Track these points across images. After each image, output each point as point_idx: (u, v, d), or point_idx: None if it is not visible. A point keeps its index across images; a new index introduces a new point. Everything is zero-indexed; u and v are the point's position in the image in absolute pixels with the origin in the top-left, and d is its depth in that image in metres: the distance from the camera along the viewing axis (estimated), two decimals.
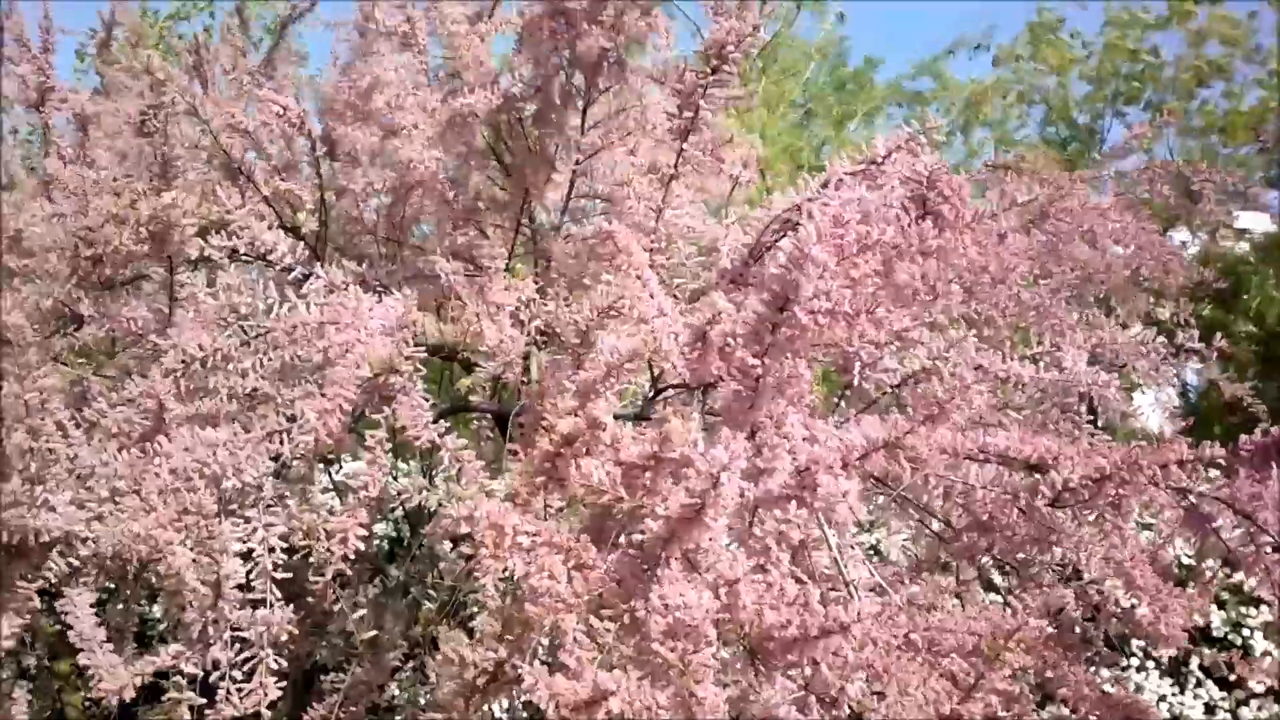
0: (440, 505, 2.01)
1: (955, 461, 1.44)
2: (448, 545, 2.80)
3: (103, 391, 1.80)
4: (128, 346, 2.01)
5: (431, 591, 2.33)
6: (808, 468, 1.23)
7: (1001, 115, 6.36)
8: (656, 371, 1.69)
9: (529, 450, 1.74)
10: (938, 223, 1.24)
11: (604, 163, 2.09)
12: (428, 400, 1.78)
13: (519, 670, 1.26)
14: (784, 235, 1.64)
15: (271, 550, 1.62)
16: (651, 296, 1.56)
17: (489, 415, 2.29)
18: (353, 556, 1.58)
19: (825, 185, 1.53)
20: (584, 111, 1.95)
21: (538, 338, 2.00)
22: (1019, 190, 1.64)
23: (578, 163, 2.06)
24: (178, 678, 1.50)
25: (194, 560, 1.54)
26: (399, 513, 2.94)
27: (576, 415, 1.35)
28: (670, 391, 1.73)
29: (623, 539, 1.37)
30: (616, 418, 1.84)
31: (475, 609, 2.73)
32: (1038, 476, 1.36)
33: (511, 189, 2.12)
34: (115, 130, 2.16)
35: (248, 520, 1.67)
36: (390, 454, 1.73)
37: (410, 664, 2.45)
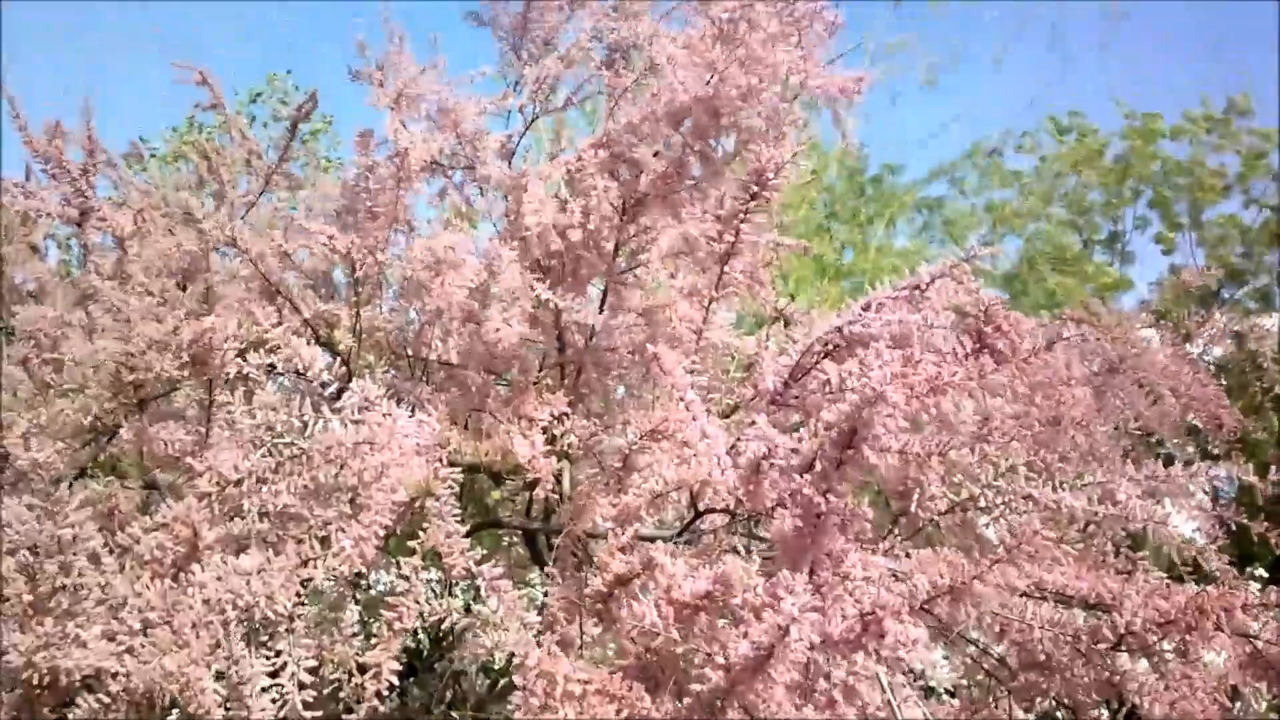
0: (470, 628, 1.96)
1: (1010, 598, 1.40)
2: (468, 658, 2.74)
3: (134, 515, 1.78)
4: (159, 465, 2.00)
5: (454, 714, 2.26)
6: (873, 613, 1.19)
7: (1022, 226, 6.44)
8: (696, 487, 1.67)
9: (566, 574, 1.70)
10: (995, 357, 1.23)
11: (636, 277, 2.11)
12: (459, 518, 1.76)
13: None
14: (826, 357, 1.63)
15: (302, 687, 1.57)
16: (695, 419, 1.54)
17: (518, 530, 2.25)
18: (386, 693, 1.54)
19: (867, 308, 1.53)
20: (619, 237, 1.97)
21: (570, 453, 1.99)
22: (1084, 340, 1.65)
23: (611, 279, 2.07)
24: None
25: (224, 700, 1.49)
26: (419, 626, 2.88)
27: (626, 552, 1.32)
28: (713, 516, 1.70)
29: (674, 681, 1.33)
30: (653, 539, 1.82)
31: None
32: (1098, 617, 1.31)
33: (544, 305, 2.13)
34: (155, 255, 2.20)
35: (278, 653, 1.63)
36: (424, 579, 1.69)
37: None
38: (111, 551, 1.68)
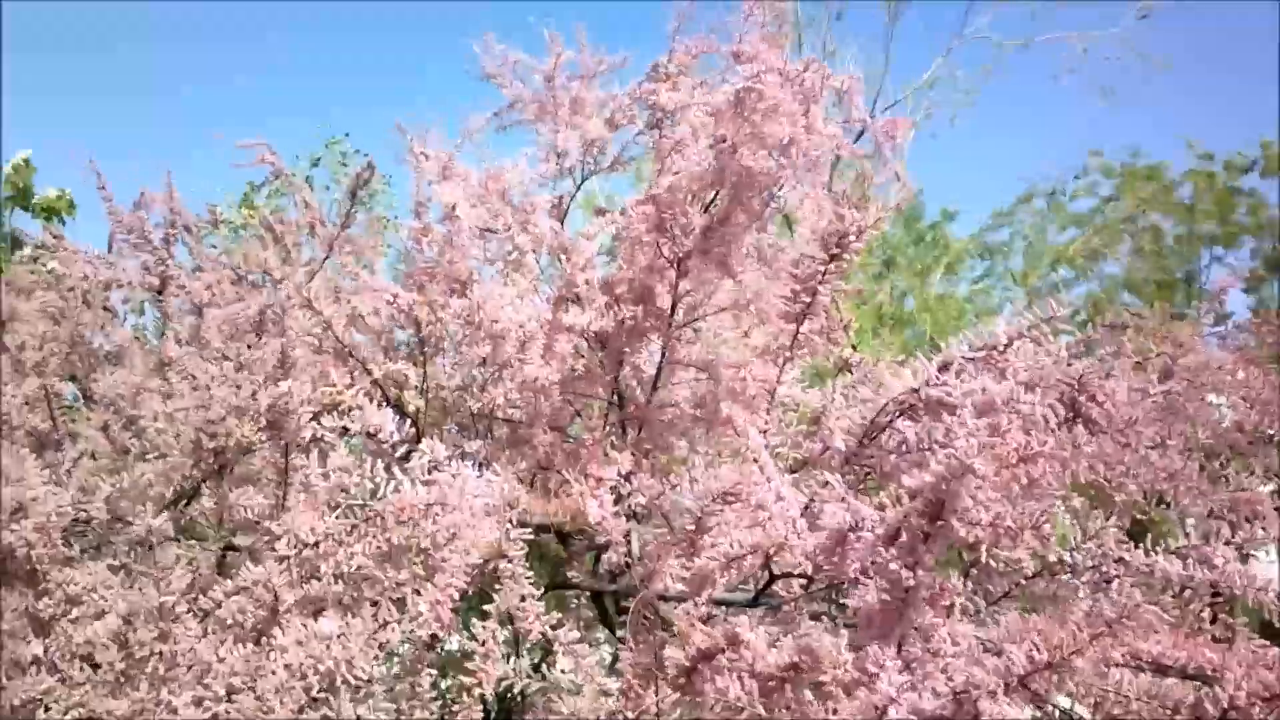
0: (541, 691, 1.95)
1: (1104, 668, 1.36)
2: None
3: (215, 578, 1.82)
4: (238, 528, 2.04)
5: None
6: (966, 691, 1.16)
7: (1086, 267, 6.35)
8: (773, 551, 1.65)
9: (639, 638, 1.69)
10: (1089, 427, 1.21)
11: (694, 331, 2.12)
12: (532, 580, 1.76)
13: None
14: (901, 416, 1.62)
15: None
16: (769, 481, 1.54)
17: (586, 591, 2.25)
18: None
19: (945, 369, 1.51)
20: (674, 293, 1.99)
21: (638, 512, 1.99)
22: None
23: (668, 334, 2.09)
24: None
25: None
26: None
27: (706, 623, 1.31)
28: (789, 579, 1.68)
29: None
30: (727, 603, 1.80)
31: None
32: (1197, 689, 1.26)
33: (605, 359, 2.15)
34: (230, 318, 2.26)
35: (357, 716, 1.65)
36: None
37: None
38: (195, 616, 1.72)
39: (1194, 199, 6.28)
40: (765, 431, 1.64)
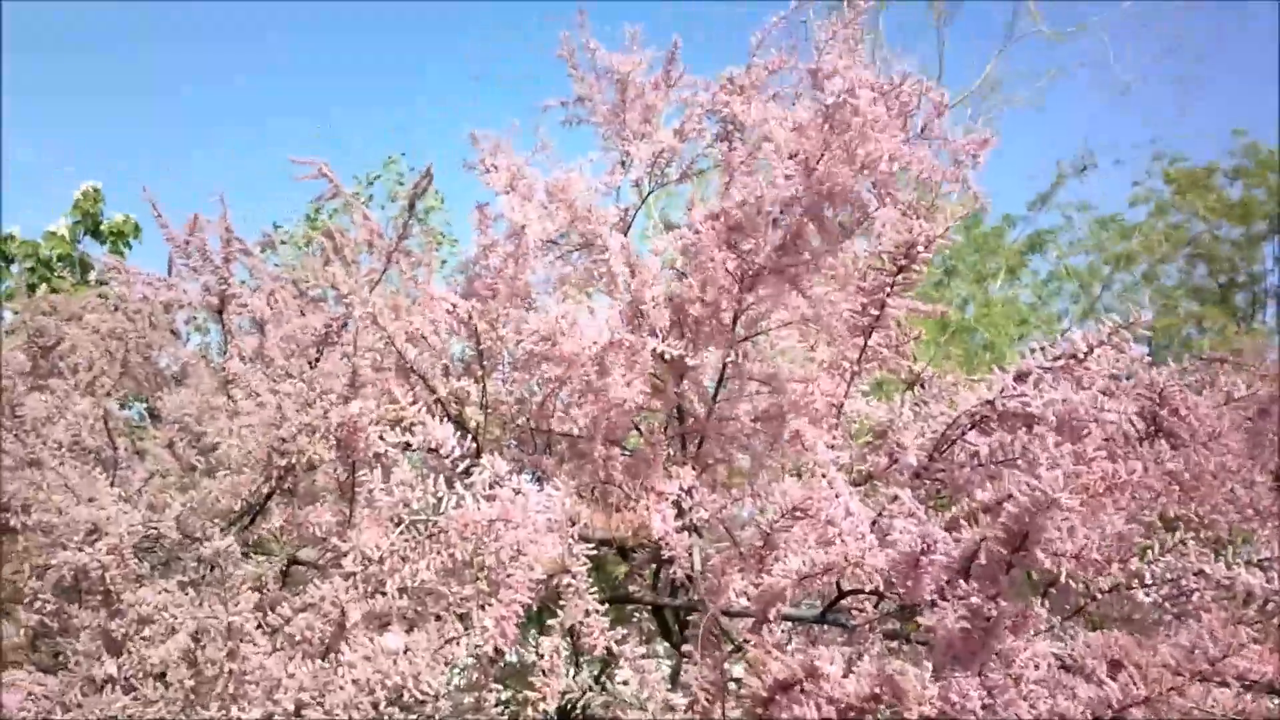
0: (606, 705, 1.94)
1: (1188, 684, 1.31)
2: None
3: (283, 595, 1.84)
4: (304, 544, 2.06)
5: None
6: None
7: (1150, 268, 6.17)
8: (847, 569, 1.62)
9: (705, 654, 1.67)
10: (1171, 442, 1.16)
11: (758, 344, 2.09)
12: (595, 595, 1.75)
13: None
14: (973, 429, 1.58)
15: None
16: (838, 496, 1.51)
17: (649, 607, 2.23)
18: None
19: (1021, 379, 1.47)
20: (737, 307, 1.97)
21: (700, 526, 1.97)
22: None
23: (730, 348, 2.07)
24: None
25: None
26: None
27: (783, 650, 1.28)
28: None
29: None
30: (793, 619, 1.77)
31: None
32: None
33: (667, 373, 2.13)
34: (293, 335, 2.29)
35: None
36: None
37: None
38: (263, 632, 1.74)
39: (1245, 197, 6.08)
40: (833, 446, 1.61)
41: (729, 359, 2.08)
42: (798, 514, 1.56)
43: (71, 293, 4.22)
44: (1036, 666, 1.16)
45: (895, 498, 1.57)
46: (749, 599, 1.73)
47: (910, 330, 1.94)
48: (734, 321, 1.97)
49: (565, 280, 2.31)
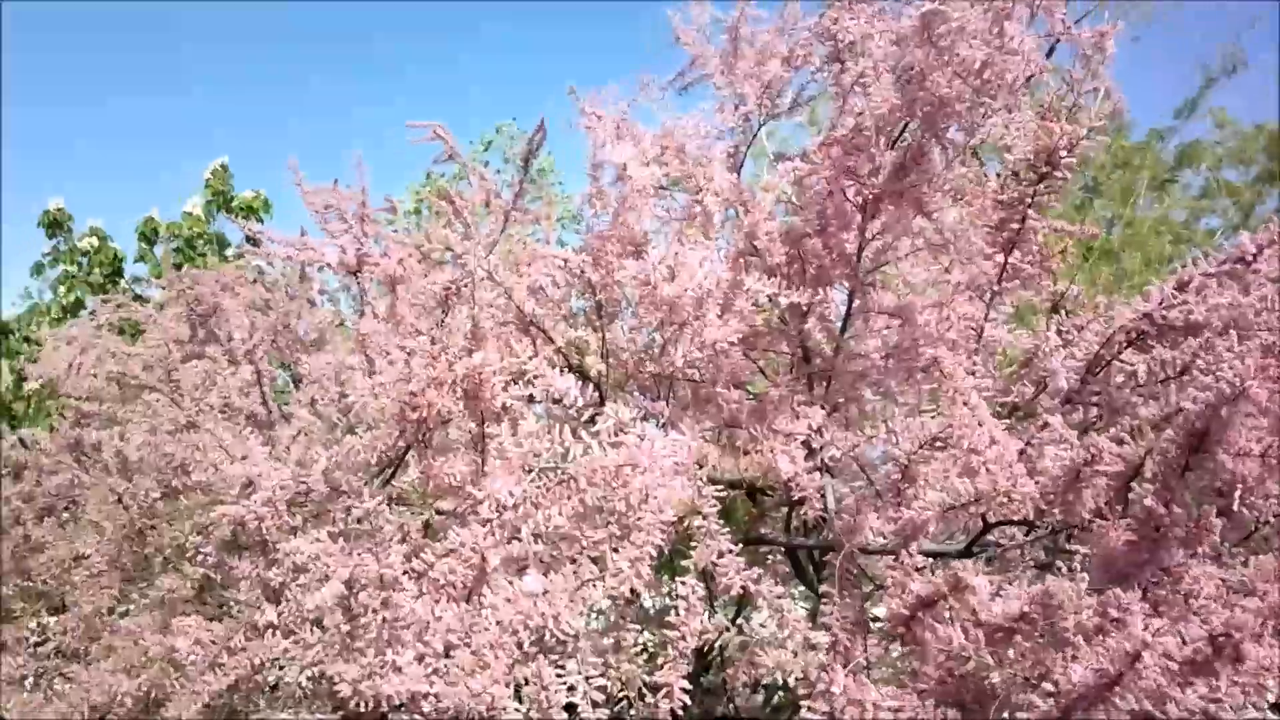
0: (744, 646, 1.93)
1: None
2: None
3: (427, 543, 1.90)
4: (440, 494, 2.12)
5: None
6: (1226, 634, 1.04)
7: None
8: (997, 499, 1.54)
9: (843, 592, 1.64)
10: None
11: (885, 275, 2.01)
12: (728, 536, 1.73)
13: None
14: (1129, 347, 1.47)
15: (595, 705, 1.61)
16: (981, 425, 1.43)
17: (781, 548, 2.21)
18: (680, 711, 1.54)
19: (1182, 288, 1.35)
20: (860, 238, 1.89)
21: (831, 466, 1.92)
22: None
23: (856, 282, 1.99)
24: None
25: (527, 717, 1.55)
26: None
27: (923, 572, 1.24)
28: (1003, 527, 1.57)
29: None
30: (935, 555, 1.71)
31: None
32: None
33: (788, 313, 2.08)
34: (421, 292, 2.35)
35: (564, 669, 1.68)
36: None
37: None
38: (410, 577, 1.81)
39: None
40: (973, 372, 1.53)
41: (855, 293, 2.00)
42: (938, 445, 1.50)
43: (213, 268, 4.46)
44: (1208, 583, 1.07)
45: (1045, 424, 1.49)
46: (886, 536, 1.68)
47: (1054, 248, 1.81)
48: (858, 253, 1.89)
49: (673, 225, 2.27)
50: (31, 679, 3.25)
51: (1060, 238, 1.77)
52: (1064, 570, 1.17)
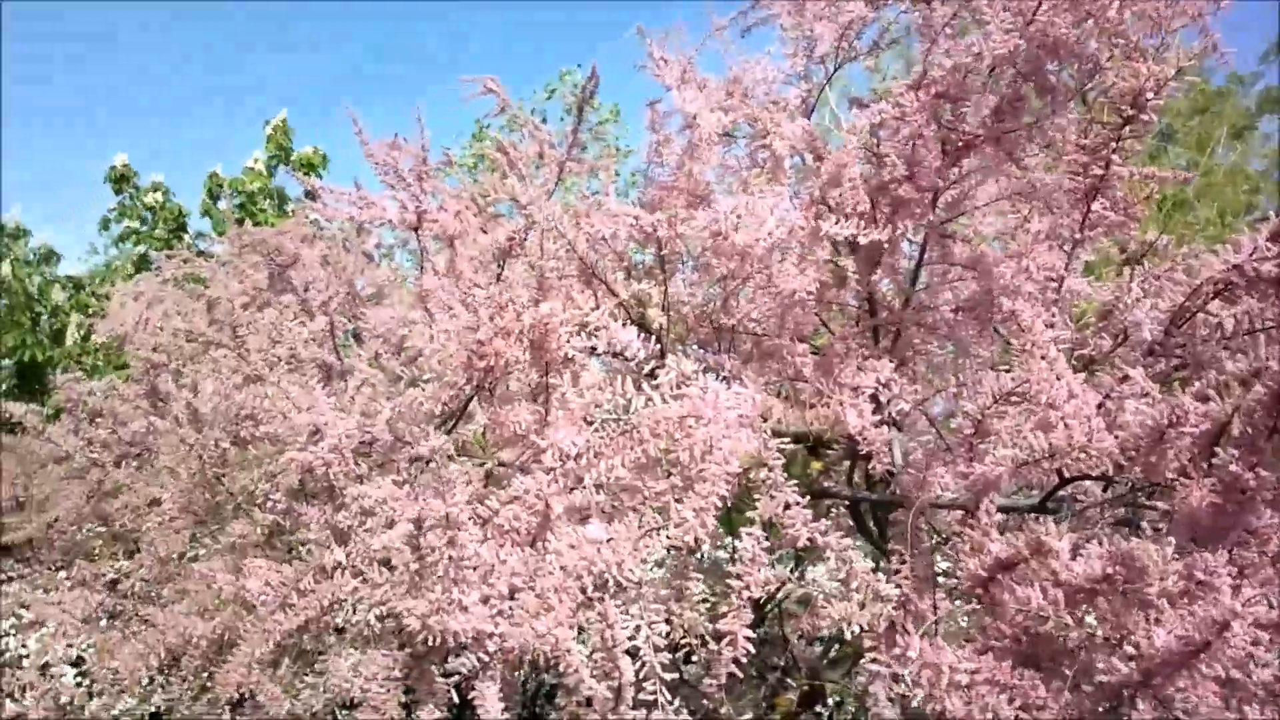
0: (805, 599, 1.94)
1: None
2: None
3: (491, 490, 1.93)
4: (502, 444, 2.15)
5: (790, 681, 2.25)
6: None
7: None
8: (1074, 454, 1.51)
9: (911, 548, 1.63)
10: None
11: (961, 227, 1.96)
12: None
13: None
14: (1215, 298, 1.41)
15: (657, 650, 1.63)
16: (1059, 378, 1.40)
17: (844, 502, 2.19)
18: (744, 659, 1.55)
19: (1275, 239, 1.29)
20: (938, 185, 1.83)
21: (898, 420, 1.89)
22: None
23: (931, 231, 1.94)
24: None
25: (590, 660, 1.58)
26: None
27: (1002, 531, 1.22)
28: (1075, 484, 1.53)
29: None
30: (1007, 510, 1.68)
31: (837, 699, 2.61)
32: None
33: (857, 263, 2.04)
34: (483, 248, 2.36)
35: (629, 615, 1.70)
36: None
37: None
38: (475, 522, 1.84)
39: None
40: (1051, 325, 1.49)
41: (928, 244, 1.96)
42: (1013, 399, 1.46)
43: (273, 223, 4.54)
44: None
45: (1125, 377, 1.44)
46: (956, 491, 1.65)
47: (1138, 195, 1.74)
48: (934, 201, 1.84)
49: (741, 174, 2.23)
50: (107, 618, 3.39)
51: (1144, 184, 1.70)
52: (1147, 531, 1.13)
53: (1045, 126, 1.70)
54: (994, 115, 1.61)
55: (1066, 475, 1.51)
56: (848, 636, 1.58)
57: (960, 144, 1.67)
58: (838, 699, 3.01)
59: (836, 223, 1.86)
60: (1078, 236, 1.56)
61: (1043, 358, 1.40)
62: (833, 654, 2.42)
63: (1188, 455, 1.20)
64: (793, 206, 1.91)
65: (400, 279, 3.67)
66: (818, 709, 2.47)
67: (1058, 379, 1.39)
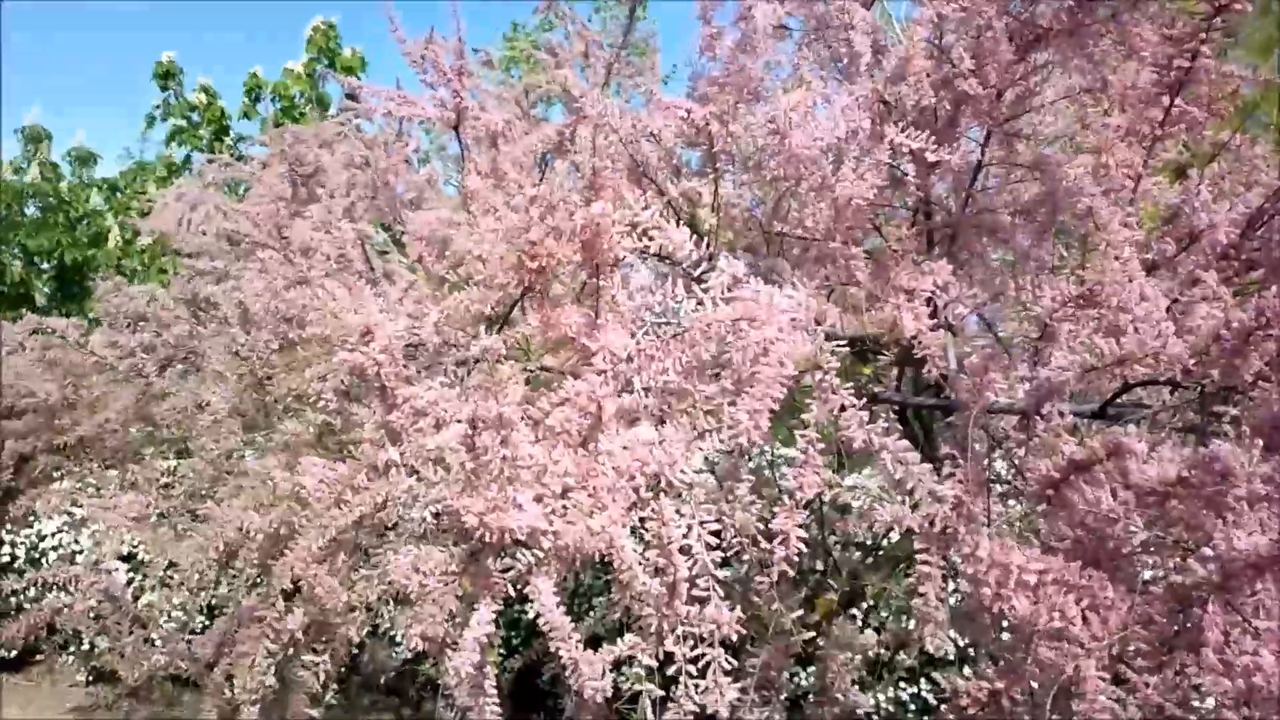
0: (845, 505, 1.96)
1: None
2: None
3: (542, 392, 1.93)
4: (550, 347, 2.15)
5: (832, 583, 2.29)
6: None
7: None
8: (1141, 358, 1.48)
9: (967, 453, 1.62)
10: None
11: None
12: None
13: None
14: None
15: (709, 548, 1.65)
16: (1131, 280, 1.36)
17: (893, 408, 2.18)
18: (796, 558, 1.57)
19: None
20: (1005, 80, 1.76)
21: (954, 325, 1.86)
22: None
23: (995, 128, 1.87)
24: (637, 669, 1.59)
25: (643, 557, 1.61)
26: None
27: (1078, 436, 1.20)
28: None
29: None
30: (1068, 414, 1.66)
31: (872, 602, 2.66)
32: None
33: (916, 165, 1.98)
34: (528, 147, 2.31)
35: (681, 515, 1.72)
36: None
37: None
38: (527, 424, 1.85)
39: None
40: (1128, 224, 1.44)
41: (989, 143, 1.89)
42: (1082, 301, 1.43)
43: (314, 125, 4.48)
44: None
45: (1195, 281, 1.40)
46: (1011, 397, 1.64)
47: (1222, 92, 1.66)
48: (999, 97, 1.77)
49: (799, 69, 2.15)
50: (157, 516, 3.49)
51: (1224, 82, 1.62)
52: (1230, 435, 1.12)
53: (1123, 19, 1.61)
54: (1069, 8, 1.52)
55: (1130, 381, 1.49)
56: (893, 539, 1.61)
57: (1031, 37, 1.59)
58: (871, 603, 3.07)
59: (903, 130, 1.79)
60: (1158, 133, 1.49)
61: (1116, 258, 1.36)
62: (875, 558, 2.46)
63: (1268, 358, 1.17)
64: (856, 105, 1.85)
65: (438, 184, 3.63)
66: (852, 611, 2.52)
67: (1130, 281, 1.35)
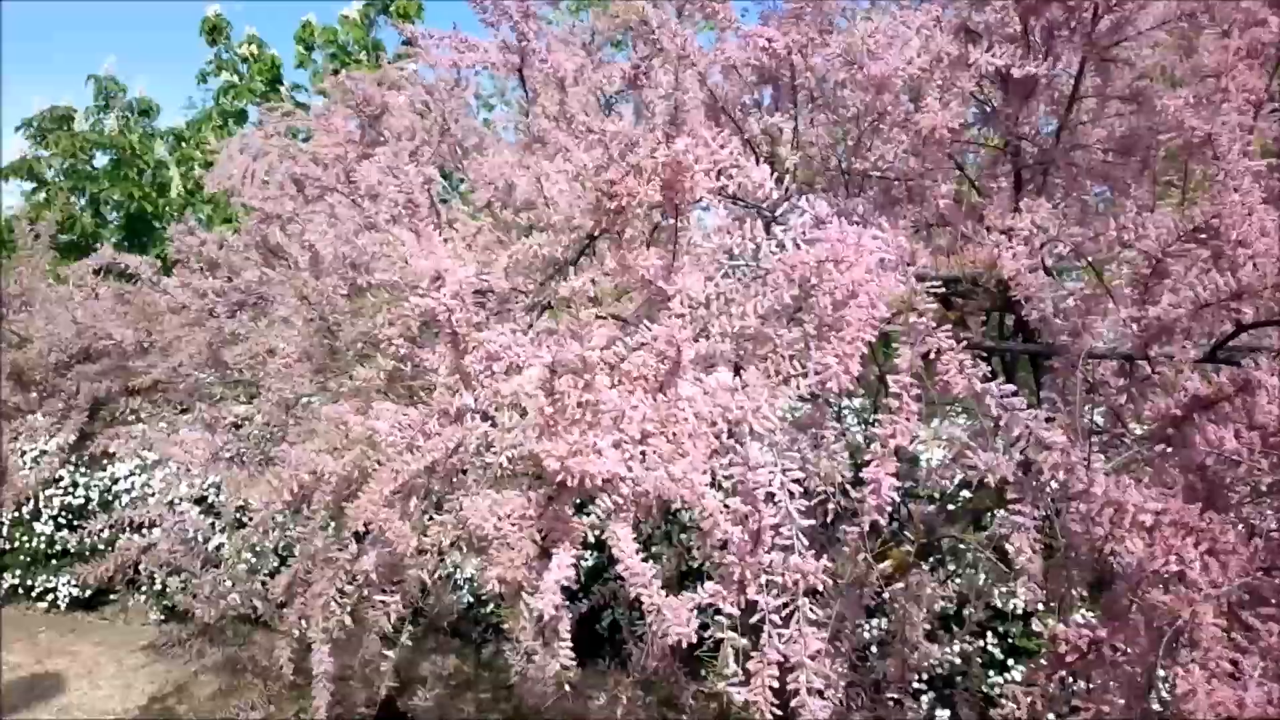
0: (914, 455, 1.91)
1: None
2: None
3: (620, 337, 1.91)
4: (624, 292, 2.12)
5: (908, 534, 2.25)
6: None
7: None
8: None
9: (1067, 397, 1.57)
10: None
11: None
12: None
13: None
14: None
15: (792, 496, 1.62)
16: (1251, 213, 1.28)
17: (981, 353, 2.11)
18: (889, 507, 1.53)
19: None
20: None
21: (1050, 265, 1.79)
22: None
23: (1092, 54, 1.77)
24: (719, 617, 1.58)
25: (725, 505, 1.58)
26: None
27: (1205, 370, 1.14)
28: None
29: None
30: (1172, 359, 1.58)
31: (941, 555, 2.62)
32: None
33: (1007, 96, 1.89)
34: (595, 85, 2.25)
35: (765, 462, 1.69)
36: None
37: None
38: (603, 370, 1.83)
39: None
40: (1247, 154, 1.35)
41: (1084, 73, 1.79)
42: (1200, 235, 1.35)
43: (374, 70, 4.46)
44: None
45: None
46: (1112, 341, 1.57)
47: None
48: (1093, 21, 1.66)
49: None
50: (229, 459, 3.56)
51: None
52: None
53: None
54: None
55: (1244, 323, 1.41)
56: (965, 495, 1.55)
57: None
58: (940, 556, 3.02)
59: (988, 49, 1.70)
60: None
61: (1235, 189, 1.28)
62: (951, 508, 2.41)
63: None
64: (939, 30, 1.76)
65: (500, 129, 3.59)
66: (925, 564, 2.48)
67: (1249, 215, 1.27)
